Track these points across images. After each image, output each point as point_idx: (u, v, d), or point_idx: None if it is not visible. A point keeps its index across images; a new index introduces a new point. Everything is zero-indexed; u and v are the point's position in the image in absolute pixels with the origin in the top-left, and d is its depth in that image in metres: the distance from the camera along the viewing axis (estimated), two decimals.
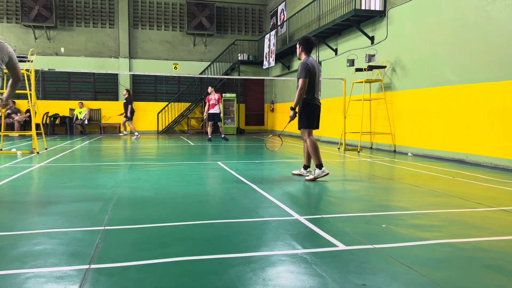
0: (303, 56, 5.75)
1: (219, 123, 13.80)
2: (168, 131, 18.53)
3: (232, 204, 4.18)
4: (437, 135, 8.69)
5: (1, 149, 9.12)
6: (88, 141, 13.04)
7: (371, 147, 11.12)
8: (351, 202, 4.36)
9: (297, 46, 5.83)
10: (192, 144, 12.43)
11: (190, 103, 18.73)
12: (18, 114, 16.32)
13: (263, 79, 20.18)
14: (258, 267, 2.42)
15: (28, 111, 16.65)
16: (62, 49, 17.55)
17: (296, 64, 16.16)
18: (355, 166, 7.47)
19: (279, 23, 18.40)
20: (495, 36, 7.23)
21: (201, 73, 18.93)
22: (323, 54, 14.14)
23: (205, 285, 2.17)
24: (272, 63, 16.82)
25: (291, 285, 2.18)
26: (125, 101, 14.89)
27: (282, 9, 18.26)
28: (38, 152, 8.81)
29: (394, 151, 10.10)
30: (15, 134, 13.98)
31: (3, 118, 10.29)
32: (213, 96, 13.51)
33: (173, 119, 18.81)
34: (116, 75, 18.43)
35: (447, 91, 8.39)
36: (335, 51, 13.19)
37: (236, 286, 2.16)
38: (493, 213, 3.87)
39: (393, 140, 10.21)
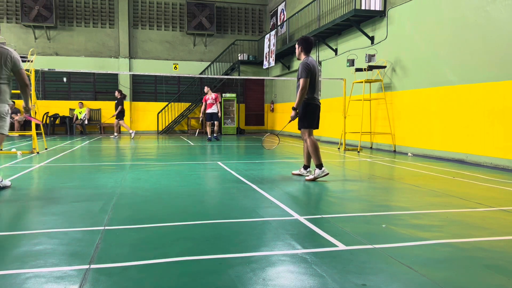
0: (303, 56, 5.75)
1: (216, 122, 13.72)
2: (168, 131, 18.53)
3: (232, 204, 4.18)
4: (437, 135, 8.69)
5: (1, 149, 9.12)
6: (88, 141, 13.04)
7: (371, 147, 11.12)
8: (351, 202, 4.35)
9: (296, 46, 5.83)
10: (192, 144, 12.43)
11: (190, 103, 18.74)
12: (18, 114, 16.33)
13: (263, 79, 20.18)
14: (258, 267, 2.42)
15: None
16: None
17: (296, 64, 16.16)
18: (355, 166, 7.47)
19: (279, 23, 18.40)
20: (495, 36, 7.23)
21: (201, 73, 18.93)
22: (323, 54, 14.14)
23: (205, 285, 2.17)
24: (272, 63, 16.82)
25: (291, 285, 2.18)
26: (116, 101, 14.92)
27: (282, 9, 18.26)
28: (38, 152, 8.81)
29: (394, 151, 10.10)
30: (15, 134, 13.99)
31: None
32: (210, 96, 13.48)
33: (173, 119, 18.81)
34: (116, 75, 18.44)
35: (447, 91, 8.39)
36: (335, 51, 13.19)
37: (236, 286, 2.16)
38: (493, 213, 3.87)
39: (393, 140, 10.21)
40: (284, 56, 17.20)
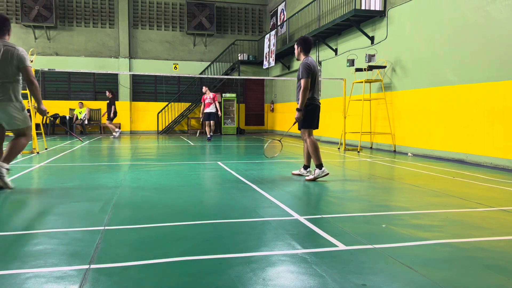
0: (302, 57, 5.75)
1: (211, 122, 13.61)
2: (168, 131, 18.53)
3: (232, 204, 4.18)
4: (437, 135, 8.69)
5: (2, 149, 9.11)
6: (88, 141, 13.04)
7: (371, 147, 11.12)
8: (351, 202, 4.35)
9: (295, 46, 5.82)
10: (192, 144, 12.43)
11: (190, 103, 18.74)
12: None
13: (263, 79, 20.18)
14: (258, 267, 2.42)
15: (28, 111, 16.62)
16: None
17: (296, 64, 16.16)
18: (355, 166, 7.47)
19: (279, 23, 18.40)
20: (495, 36, 7.23)
21: (201, 73, 18.93)
22: (323, 54, 14.14)
23: (205, 285, 2.17)
24: (272, 63, 16.82)
25: (291, 285, 2.18)
26: (108, 101, 14.92)
27: (282, 9, 18.26)
28: (38, 152, 8.81)
29: (394, 151, 10.10)
30: None
31: None
32: (208, 95, 13.50)
33: (173, 119, 18.81)
34: (116, 75, 18.44)
35: (447, 91, 8.39)
36: (335, 51, 13.19)
37: (236, 286, 2.16)
38: (493, 213, 3.87)
39: (393, 140, 10.21)
40: (284, 56, 17.20)
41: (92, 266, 2.40)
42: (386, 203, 4.41)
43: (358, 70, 10.46)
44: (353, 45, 12.02)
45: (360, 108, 10.89)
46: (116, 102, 15.31)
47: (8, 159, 4.74)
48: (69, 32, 17.98)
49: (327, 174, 5.59)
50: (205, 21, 18.65)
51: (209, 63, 19.15)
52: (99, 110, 18.21)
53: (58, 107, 17.71)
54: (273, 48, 16.61)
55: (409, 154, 9.36)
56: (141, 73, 12.48)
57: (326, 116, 12.89)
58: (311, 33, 13.17)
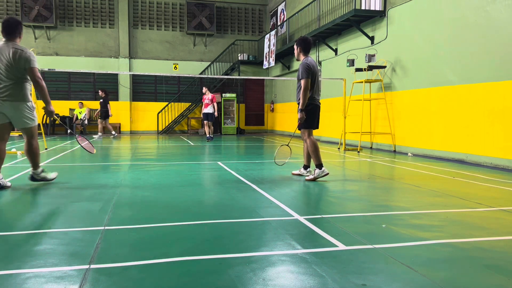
0: (302, 57, 5.74)
1: (208, 122, 13.62)
2: (168, 131, 18.53)
3: (232, 204, 4.18)
4: (437, 135, 8.69)
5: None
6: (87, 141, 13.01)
7: (371, 147, 11.12)
8: (351, 202, 4.35)
9: (295, 47, 5.81)
10: (192, 144, 12.43)
11: (190, 103, 18.75)
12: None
13: (263, 79, 20.18)
14: (258, 267, 2.42)
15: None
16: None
17: (296, 64, 16.16)
18: (355, 166, 7.47)
19: (279, 23, 18.40)
20: (495, 36, 7.23)
21: (201, 73, 18.93)
22: (323, 54, 14.15)
23: (205, 285, 2.17)
24: (272, 63, 16.82)
25: (291, 285, 2.18)
26: (101, 100, 14.91)
27: (282, 9, 18.26)
28: None
29: (394, 151, 10.10)
30: (15, 134, 13.97)
31: None
32: (207, 96, 13.57)
33: (173, 119, 18.81)
34: (116, 75, 18.44)
35: (447, 91, 8.39)
36: (335, 51, 13.19)
37: (236, 286, 2.16)
38: (493, 213, 3.87)
39: (393, 140, 10.21)
40: (284, 56, 17.21)
41: (92, 266, 2.40)
42: (386, 203, 4.41)
43: (358, 70, 10.46)
44: (353, 45, 12.02)
45: (360, 108, 10.89)
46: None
47: (35, 164, 5.04)
48: (69, 32, 17.99)
49: (327, 174, 5.59)
50: (205, 21, 18.65)
51: (209, 63, 19.16)
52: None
53: (58, 107, 17.69)
54: (273, 48, 16.61)
55: (409, 154, 9.36)
56: (141, 73, 12.48)
57: (326, 116, 12.89)
58: (311, 33, 13.18)
